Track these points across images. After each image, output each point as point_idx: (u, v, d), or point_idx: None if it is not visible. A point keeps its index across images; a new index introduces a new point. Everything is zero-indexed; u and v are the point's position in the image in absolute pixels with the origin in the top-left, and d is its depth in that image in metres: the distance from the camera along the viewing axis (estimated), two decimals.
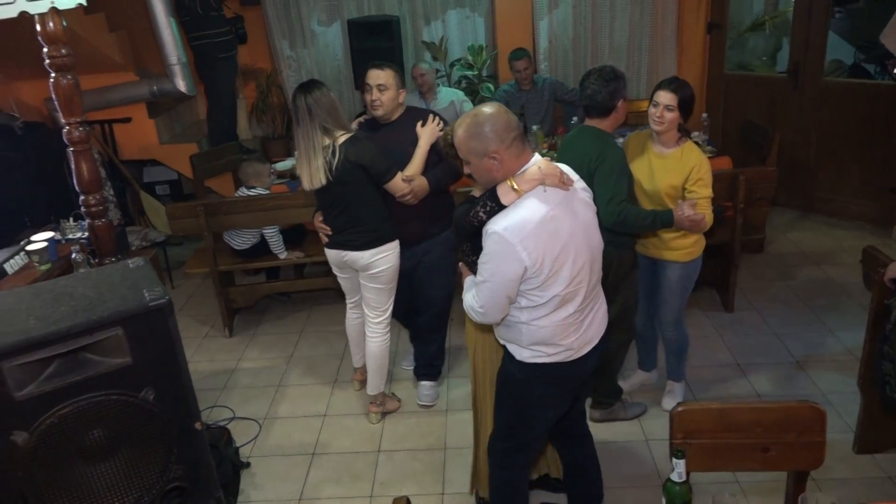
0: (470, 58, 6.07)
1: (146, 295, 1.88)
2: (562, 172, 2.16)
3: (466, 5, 6.33)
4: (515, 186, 2.09)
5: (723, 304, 4.34)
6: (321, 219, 3.35)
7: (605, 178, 2.82)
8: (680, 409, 2.05)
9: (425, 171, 3.24)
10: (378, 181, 3.15)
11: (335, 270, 3.48)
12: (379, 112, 3.26)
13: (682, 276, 3.19)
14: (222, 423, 3.51)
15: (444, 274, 3.49)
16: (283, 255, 4.41)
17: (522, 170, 2.13)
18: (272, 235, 4.35)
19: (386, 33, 5.75)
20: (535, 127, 5.00)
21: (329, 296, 4.83)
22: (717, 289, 4.41)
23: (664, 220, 2.88)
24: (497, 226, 2.06)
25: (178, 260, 5.35)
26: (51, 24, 2.64)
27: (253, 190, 4.41)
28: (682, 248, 3.13)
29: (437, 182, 3.25)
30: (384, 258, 3.25)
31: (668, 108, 2.96)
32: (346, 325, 3.69)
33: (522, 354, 2.26)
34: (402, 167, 3.19)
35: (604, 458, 2.86)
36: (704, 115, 5.24)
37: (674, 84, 2.99)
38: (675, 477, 1.68)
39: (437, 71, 5.83)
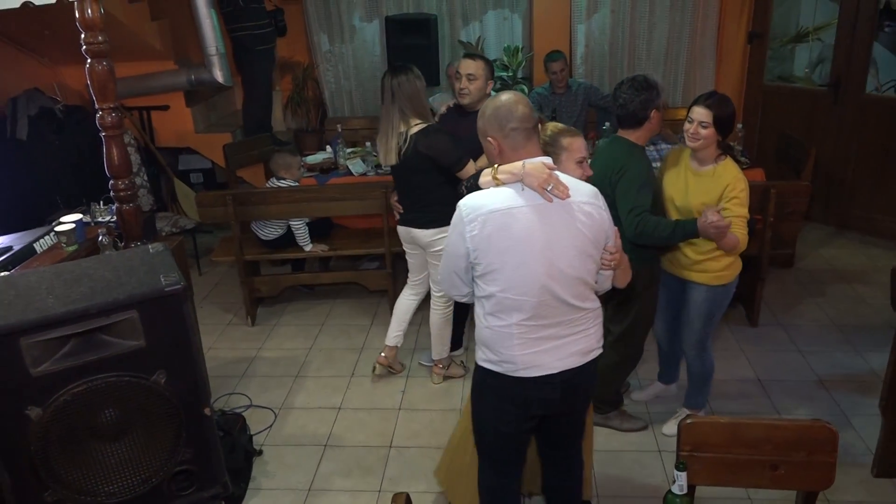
0: (505, 59, 6.06)
1: (162, 280, 1.90)
2: (551, 180, 2.06)
3: (505, 6, 6.32)
4: (496, 175, 2.12)
5: (748, 319, 4.27)
6: (396, 198, 3.65)
7: (627, 190, 2.78)
8: (689, 421, 2.03)
9: None
10: (450, 171, 3.32)
11: (405, 246, 3.71)
12: (466, 100, 3.50)
13: (707, 300, 3.04)
14: (238, 411, 3.55)
15: None
16: (308, 248, 4.46)
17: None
18: (298, 227, 4.40)
19: (424, 31, 5.77)
20: None
21: (352, 290, 4.86)
22: (743, 303, 4.34)
23: (687, 229, 2.78)
24: (462, 200, 2.13)
25: (208, 247, 5.43)
26: (89, 10, 2.70)
27: (283, 181, 4.46)
28: (711, 272, 2.98)
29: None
30: (444, 238, 3.35)
31: (702, 124, 2.84)
32: (397, 300, 3.88)
33: (478, 354, 2.26)
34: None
35: (615, 467, 2.86)
36: (739, 125, 5.15)
37: (711, 99, 2.86)
38: (675, 489, 1.66)
39: None
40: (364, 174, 4.82)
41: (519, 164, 2.10)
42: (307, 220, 4.47)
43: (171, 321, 1.92)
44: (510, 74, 6.05)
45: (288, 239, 4.46)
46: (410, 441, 3.40)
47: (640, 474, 3.10)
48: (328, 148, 5.29)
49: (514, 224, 2.06)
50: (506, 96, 2.15)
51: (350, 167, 4.89)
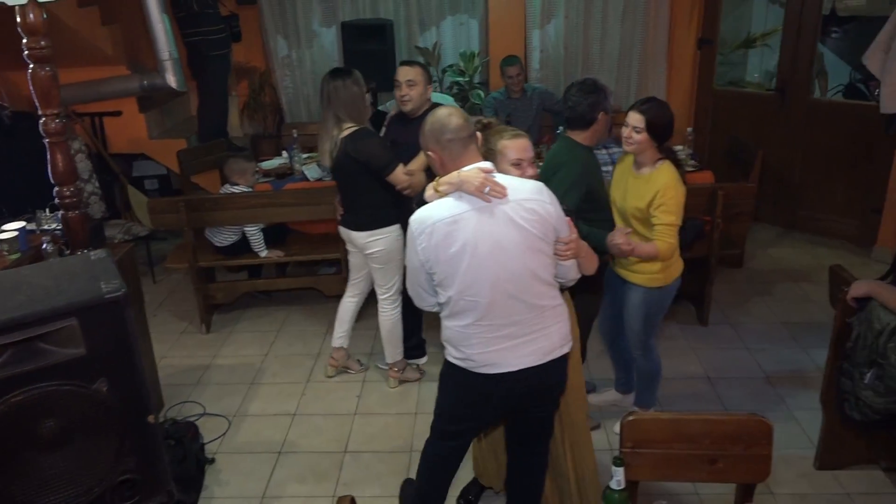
0: (462, 64, 6.11)
1: (103, 287, 1.89)
2: (487, 182, 2.14)
3: (462, 11, 6.36)
4: (437, 188, 2.24)
5: (698, 318, 4.36)
6: (339, 198, 3.68)
7: (555, 188, 2.81)
8: (630, 418, 2.07)
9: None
10: (379, 174, 3.34)
11: (347, 246, 3.75)
12: (408, 107, 3.51)
13: (644, 302, 3.07)
14: (191, 419, 3.52)
15: None
16: (263, 254, 4.43)
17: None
18: (253, 234, 4.37)
19: (380, 37, 5.79)
20: None
21: (309, 295, 4.84)
22: (693, 302, 4.44)
23: (595, 238, 2.73)
24: (412, 216, 2.25)
25: (163, 255, 5.36)
26: (31, 15, 2.66)
27: (236, 187, 4.44)
28: (646, 273, 3.02)
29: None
30: (378, 241, 3.51)
31: (636, 129, 2.87)
32: (340, 302, 3.90)
33: (445, 348, 2.37)
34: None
35: None
36: (689, 129, 5.29)
37: (645, 105, 2.89)
38: (613, 485, 1.70)
39: None
40: (320, 179, 4.81)
41: (455, 173, 2.20)
42: (262, 225, 4.44)
43: (113, 328, 1.91)
44: (466, 79, 6.10)
45: (243, 245, 4.43)
46: (366, 446, 3.41)
47: None
48: (284, 153, 5.27)
49: (459, 230, 2.16)
50: (440, 111, 2.31)
51: (305, 172, 4.88)
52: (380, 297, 3.71)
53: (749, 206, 4.19)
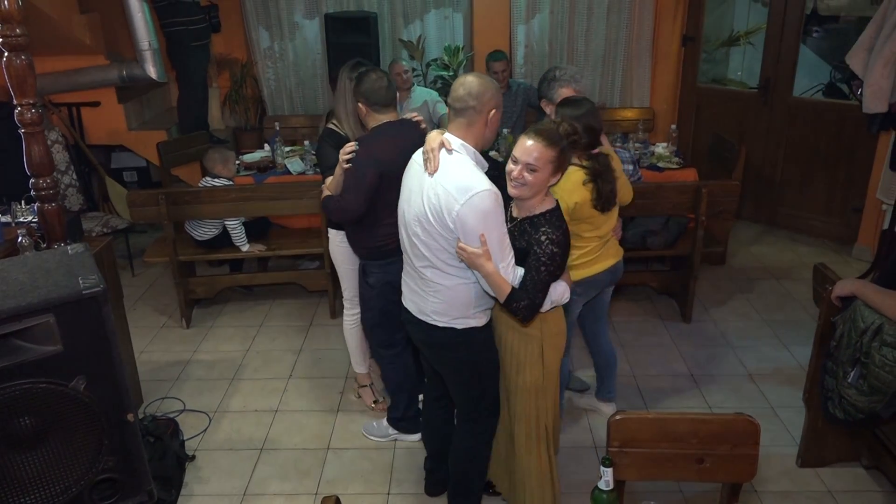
0: (446, 58, 6.07)
1: (81, 282, 1.84)
2: (430, 154, 2.34)
3: (447, 5, 6.32)
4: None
5: (681, 315, 4.37)
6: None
7: None
8: (618, 417, 2.06)
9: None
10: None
11: None
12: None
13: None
14: (171, 416, 3.47)
15: None
16: (244, 248, 4.38)
17: None
18: (234, 227, 4.32)
19: (364, 29, 5.72)
20: (505, 131, 5.01)
21: (291, 290, 4.79)
22: (677, 299, 4.45)
23: None
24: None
25: (143, 248, 5.27)
26: (5, 2, 2.58)
27: (217, 179, 4.37)
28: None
29: (327, 203, 3.01)
30: (330, 241, 3.40)
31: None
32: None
33: None
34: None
35: None
36: (673, 126, 5.29)
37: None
38: (602, 485, 1.68)
39: (413, 70, 5.82)
40: (302, 173, 4.76)
41: (435, 132, 2.41)
42: (243, 219, 4.39)
43: (91, 325, 1.86)
44: (451, 73, 6.05)
45: (224, 239, 4.37)
46: (349, 443, 3.37)
47: (576, 470, 3.13)
48: (266, 146, 5.20)
49: (410, 171, 2.49)
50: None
51: (288, 166, 4.83)
52: (344, 302, 3.52)
53: (733, 203, 4.20)
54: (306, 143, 5.10)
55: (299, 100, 6.51)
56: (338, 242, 3.31)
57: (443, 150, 2.33)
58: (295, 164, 4.82)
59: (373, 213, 2.86)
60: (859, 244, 5.17)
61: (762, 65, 5.59)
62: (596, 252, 2.95)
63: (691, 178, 4.59)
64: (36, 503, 1.89)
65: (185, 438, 3.32)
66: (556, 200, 2.44)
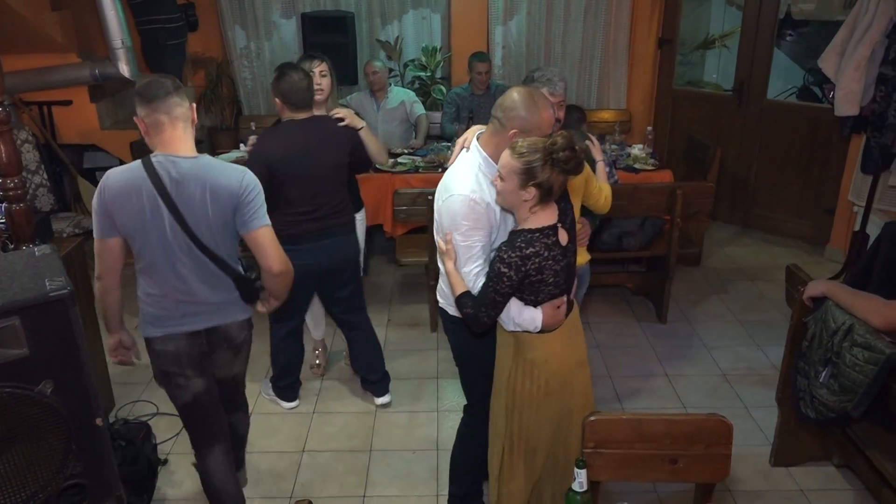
0: (423, 59, 6.06)
1: (47, 285, 1.80)
2: (455, 148, 2.47)
3: (424, 5, 6.31)
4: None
5: (657, 315, 4.40)
6: None
7: None
8: (593, 418, 2.06)
9: None
10: None
11: None
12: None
13: None
14: (144, 419, 3.42)
15: None
16: None
17: None
18: None
19: (341, 29, 5.71)
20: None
21: None
22: (652, 300, 4.48)
23: None
24: None
25: None
26: None
27: None
28: None
29: None
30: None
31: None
32: None
33: None
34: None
35: None
36: (649, 128, 5.33)
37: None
38: (576, 486, 1.68)
39: (391, 70, 5.80)
40: None
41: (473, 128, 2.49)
42: None
43: (58, 328, 1.83)
44: (428, 74, 6.06)
45: None
46: (324, 445, 3.35)
47: None
48: (242, 146, 5.16)
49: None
50: None
51: None
52: None
53: (707, 205, 4.24)
54: None
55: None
56: None
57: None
58: None
59: (271, 203, 2.74)
60: (831, 245, 5.24)
61: (737, 68, 5.65)
62: None
63: (667, 179, 4.62)
64: None
65: (157, 442, 3.27)
66: (544, 225, 2.20)
